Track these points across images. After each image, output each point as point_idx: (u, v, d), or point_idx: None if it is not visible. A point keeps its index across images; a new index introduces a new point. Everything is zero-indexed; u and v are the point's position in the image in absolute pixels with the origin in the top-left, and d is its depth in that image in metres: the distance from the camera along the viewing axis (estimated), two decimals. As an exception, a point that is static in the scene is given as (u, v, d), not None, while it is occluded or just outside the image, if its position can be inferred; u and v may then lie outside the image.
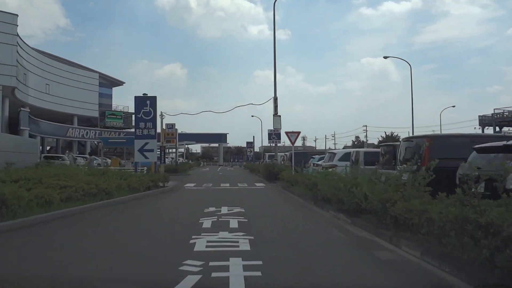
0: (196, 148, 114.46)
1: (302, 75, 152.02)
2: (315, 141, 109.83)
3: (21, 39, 47.29)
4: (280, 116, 25.56)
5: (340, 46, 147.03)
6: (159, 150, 24.38)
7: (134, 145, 17.32)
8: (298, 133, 18.10)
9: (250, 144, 52.30)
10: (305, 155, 26.90)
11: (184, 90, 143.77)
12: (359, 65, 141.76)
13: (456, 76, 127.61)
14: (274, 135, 25.05)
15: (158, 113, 26.37)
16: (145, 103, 17.02)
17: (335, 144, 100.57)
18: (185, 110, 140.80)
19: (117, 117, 71.17)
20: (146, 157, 17.13)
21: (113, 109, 71.92)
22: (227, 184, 21.62)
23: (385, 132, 79.46)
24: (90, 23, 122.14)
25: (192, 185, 21.39)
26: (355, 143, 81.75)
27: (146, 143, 17.01)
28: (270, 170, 22.83)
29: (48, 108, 55.20)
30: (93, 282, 4.59)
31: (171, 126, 28.50)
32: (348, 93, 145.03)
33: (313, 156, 24.51)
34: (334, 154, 16.91)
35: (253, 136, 42.52)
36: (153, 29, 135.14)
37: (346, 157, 16.19)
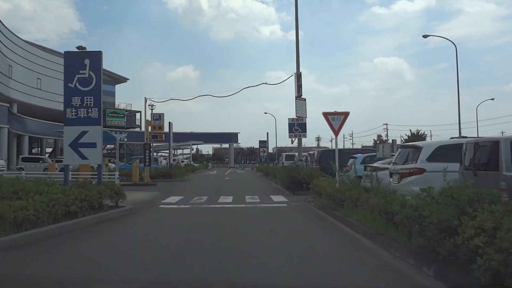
0: (208, 149, 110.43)
1: (314, 76, 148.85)
2: (331, 141, 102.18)
3: (4, 26, 40.85)
4: (305, 99, 17.91)
5: (353, 46, 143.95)
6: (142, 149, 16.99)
7: (64, 136, 9.83)
8: (346, 114, 10.35)
9: (264, 144, 44.72)
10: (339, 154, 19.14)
11: (196, 92, 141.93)
12: (372, 65, 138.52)
13: (471, 74, 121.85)
14: (297, 126, 17.42)
15: (143, 101, 19.09)
16: (82, 64, 9.53)
17: (352, 144, 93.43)
18: (197, 112, 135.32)
19: (119, 115, 64.27)
20: (83, 157, 9.61)
21: (115, 107, 65.12)
22: (230, 198, 14.03)
23: (410, 130, 71.88)
24: (104, 26, 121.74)
25: (175, 199, 13.87)
26: (377, 142, 73.61)
27: (83, 133, 9.48)
28: (293, 176, 15.19)
29: (39, 105, 48.60)
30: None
31: (158, 116, 21.02)
32: (361, 93, 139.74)
33: (354, 156, 16.74)
34: (418, 148, 9.09)
35: (267, 133, 35.31)
36: (165, 32, 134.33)
37: (444, 153, 8.40)
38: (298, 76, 17.46)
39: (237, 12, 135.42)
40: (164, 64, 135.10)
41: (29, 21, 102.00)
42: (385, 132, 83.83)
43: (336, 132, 10.47)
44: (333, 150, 22.19)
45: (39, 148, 61.41)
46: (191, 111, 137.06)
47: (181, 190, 18.13)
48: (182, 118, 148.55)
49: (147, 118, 22.18)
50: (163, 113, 22.50)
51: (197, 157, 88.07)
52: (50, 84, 50.19)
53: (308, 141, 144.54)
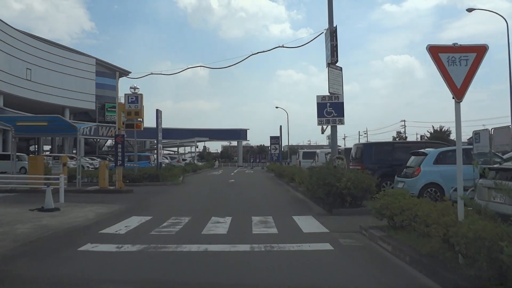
0: (217, 147, 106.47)
1: (324, 74, 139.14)
2: (344, 139, 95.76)
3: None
4: (341, 68, 11.87)
5: (364, 44, 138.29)
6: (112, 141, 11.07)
7: None
8: (480, 50, 4.38)
9: (276, 140, 38.60)
10: (390, 147, 13.01)
11: (207, 90, 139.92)
12: (383, 63, 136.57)
13: (484, 72, 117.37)
14: (330, 107, 11.37)
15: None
16: None
17: (367, 141, 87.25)
18: (208, 111, 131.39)
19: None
20: None
21: (113, 101, 59.74)
22: (225, 224, 8.05)
23: (433, 127, 65.30)
24: (115, 25, 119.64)
25: (132, 224, 7.91)
26: (396, 139, 67.10)
27: None
28: (330, 184, 9.17)
29: (29, 98, 43.33)
30: None
31: (135, 98, 14.69)
32: (372, 91, 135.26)
33: (420, 151, 10.64)
34: None
35: (280, 127, 29.41)
36: (175, 31, 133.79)
37: None
38: (332, 33, 11.41)
39: (246, 11, 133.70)
40: (174, 62, 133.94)
41: (41, 21, 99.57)
42: (403, 129, 77.53)
43: (460, 92, 4.43)
44: (380, 144, 16.01)
45: (36, 146, 56.41)
46: (202, 109, 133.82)
47: (159, 202, 12.29)
48: (192, 117, 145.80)
49: (119, 100, 16.34)
50: (141, 94, 16.56)
51: (204, 155, 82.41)
52: (41, 75, 44.96)
53: (320, 139, 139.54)
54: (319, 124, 11.53)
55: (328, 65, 11.40)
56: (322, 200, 9.76)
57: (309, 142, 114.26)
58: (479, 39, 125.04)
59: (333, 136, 11.72)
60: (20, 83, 41.95)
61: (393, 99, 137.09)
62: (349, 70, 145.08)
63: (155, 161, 28.92)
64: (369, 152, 12.44)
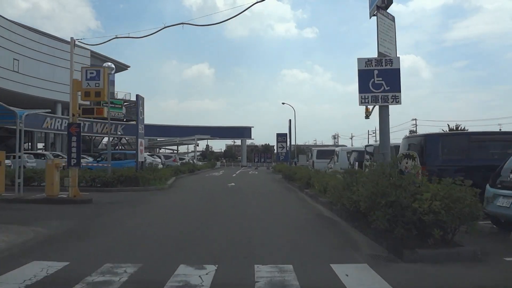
0: (221, 146, 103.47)
1: (330, 74, 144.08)
2: (351, 138, 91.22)
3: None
4: (393, 18, 7.49)
5: (369, 43, 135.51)
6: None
7: None
8: None
9: (283, 137, 34.23)
10: (465, 140, 8.54)
11: (212, 89, 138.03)
12: None
13: (490, 72, 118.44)
14: (379, 76, 7.04)
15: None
16: None
17: (375, 141, 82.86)
18: (213, 111, 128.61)
19: (116, 106, 54.65)
20: None
21: (111, 97, 55.57)
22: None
23: (448, 125, 60.73)
24: (120, 24, 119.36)
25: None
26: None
27: None
28: (400, 205, 4.80)
29: (16, 91, 39.47)
30: None
31: (95, 73, 10.37)
32: None
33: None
34: None
35: (289, 121, 24.86)
36: (181, 30, 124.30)
37: None
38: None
39: (251, 10, 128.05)
40: (180, 61, 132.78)
41: (47, 20, 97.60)
42: (414, 128, 72.95)
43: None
44: (451, 136, 10.74)
45: (30, 143, 52.57)
46: (207, 109, 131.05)
47: (118, 221, 8.07)
48: (196, 116, 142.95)
49: (74, 77, 12.09)
50: (105, 68, 12.29)
51: (207, 154, 78.26)
52: (30, 67, 41.06)
53: (325, 139, 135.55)
54: (362, 103, 7.20)
55: (377, 9, 7.08)
56: (376, 231, 5.43)
57: (315, 142, 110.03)
58: (485, 38, 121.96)
59: (383, 122, 7.36)
60: (6, 75, 38.19)
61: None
62: (353, 70, 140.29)
63: (151, 161, 24.71)
64: (435, 147, 8.06)
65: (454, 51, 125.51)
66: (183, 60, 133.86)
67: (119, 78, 67.49)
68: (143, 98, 15.74)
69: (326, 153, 21.34)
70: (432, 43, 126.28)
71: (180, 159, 38.65)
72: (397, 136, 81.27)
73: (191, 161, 37.41)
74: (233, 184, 18.34)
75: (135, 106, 58.11)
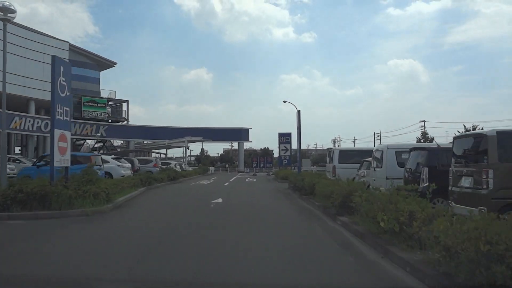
0: (219, 150, 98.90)
1: (328, 79, 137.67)
2: (353, 142, 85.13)
3: None
4: None
5: (367, 48, 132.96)
6: None
7: None
8: None
9: (286, 138, 27.95)
10: None
11: (211, 94, 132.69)
12: (386, 67, 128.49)
13: (487, 77, 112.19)
14: None
15: None
16: None
17: (380, 143, 76.87)
18: (212, 115, 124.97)
19: (99, 105, 48.58)
20: None
21: (95, 95, 49.20)
22: None
23: (464, 126, 54.58)
24: (118, 30, 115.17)
25: None
26: (421, 140, 56.53)
27: None
28: None
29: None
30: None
31: None
32: (375, 95, 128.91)
33: None
34: None
35: (298, 112, 18.48)
36: (179, 35, 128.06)
37: None
38: None
39: (249, 15, 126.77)
40: (178, 67, 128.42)
41: (45, 25, 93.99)
42: (422, 130, 66.97)
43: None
44: None
45: (25, 147, 46.32)
46: (206, 113, 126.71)
47: None
48: (197, 121, 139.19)
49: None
50: None
51: (202, 159, 71.97)
52: (8, 62, 34.99)
53: (326, 143, 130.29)
54: None
55: None
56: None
57: (315, 146, 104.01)
58: (482, 42, 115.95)
59: None
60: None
61: (398, 102, 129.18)
62: (352, 75, 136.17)
63: (115, 165, 18.49)
64: None
65: (451, 55, 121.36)
66: (181, 65, 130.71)
67: (105, 75, 62.09)
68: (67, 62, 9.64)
69: (351, 155, 15.18)
70: (429, 47, 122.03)
71: (165, 163, 32.40)
72: (405, 139, 75.51)
73: (178, 166, 31.18)
74: (219, 200, 12.06)
75: (121, 106, 51.65)
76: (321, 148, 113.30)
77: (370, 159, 11.77)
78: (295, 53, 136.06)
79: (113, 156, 22.54)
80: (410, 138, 70.30)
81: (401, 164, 9.64)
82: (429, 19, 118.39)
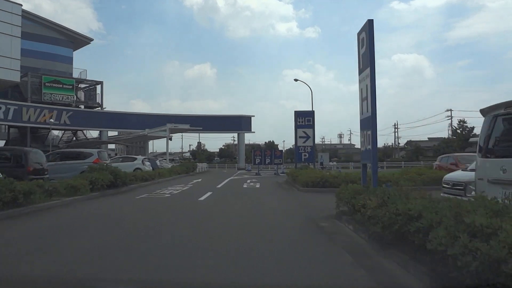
0: (220, 144, 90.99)
1: (333, 73, 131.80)
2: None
3: None
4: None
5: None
6: None
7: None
8: None
9: (307, 118, 17.51)
10: None
11: (214, 90, 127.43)
12: (390, 62, 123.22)
13: (493, 71, 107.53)
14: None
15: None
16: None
17: (398, 137, 67.52)
18: (216, 110, 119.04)
19: (65, 86, 38.30)
20: None
21: (61, 76, 38.77)
22: None
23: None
24: (122, 26, 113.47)
25: None
26: (458, 130, 46.02)
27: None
28: None
29: None
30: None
31: None
32: (379, 90, 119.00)
33: None
34: None
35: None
36: (182, 30, 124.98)
37: None
38: None
39: (252, 10, 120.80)
40: (182, 62, 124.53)
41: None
42: (449, 121, 56.63)
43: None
44: None
45: None
46: (209, 107, 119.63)
47: None
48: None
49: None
50: None
51: (198, 154, 61.70)
52: None
53: (333, 138, 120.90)
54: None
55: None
56: None
57: (322, 140, 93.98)
58: (487, 37, 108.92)
59: None
60: None
61: (401, 98, 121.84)
62: (356, 70, 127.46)
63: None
64: None
65: (456, 50, 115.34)
66: (185, 60, 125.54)
67: (79, 53, 52.35)
68: None
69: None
70: (434, 42, 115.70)
71: (132, 159, 22.25)
72: (427, 131, 65.74)
73: (146, 163, 21.02)
74: None
75: (95, 88, 40.65)
76: (329, 142, 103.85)
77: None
78: (298, 47, 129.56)
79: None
80: (434, 129, 61.62)
81: None
82: (434, 14, 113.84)
